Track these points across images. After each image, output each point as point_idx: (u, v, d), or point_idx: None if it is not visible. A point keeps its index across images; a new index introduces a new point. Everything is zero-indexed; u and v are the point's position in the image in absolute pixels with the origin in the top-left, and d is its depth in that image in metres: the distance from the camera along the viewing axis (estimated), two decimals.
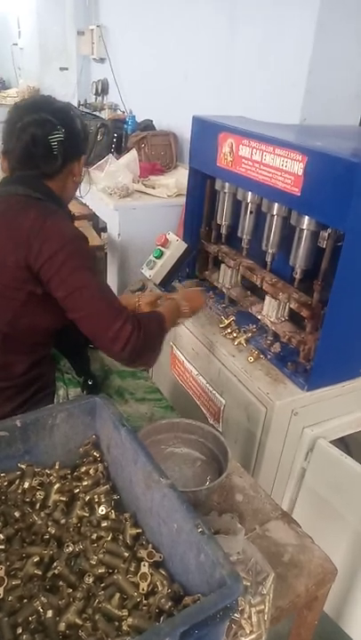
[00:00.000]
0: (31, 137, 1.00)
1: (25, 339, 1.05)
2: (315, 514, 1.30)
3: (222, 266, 1.52)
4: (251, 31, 2.11)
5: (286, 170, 1.11)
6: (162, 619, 0.67)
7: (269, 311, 1.33)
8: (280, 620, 0.81)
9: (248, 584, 0.77)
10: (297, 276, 1.25)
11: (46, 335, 1.10)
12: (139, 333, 0.97)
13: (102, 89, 3.68)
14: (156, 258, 1.54)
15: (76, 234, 0.99)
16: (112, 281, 2.54)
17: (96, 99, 3.76)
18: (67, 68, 4.19)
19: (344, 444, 1.35)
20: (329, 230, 1.14)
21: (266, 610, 0.76)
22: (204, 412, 1.46)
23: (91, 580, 0.71)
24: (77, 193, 1.26)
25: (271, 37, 2.00)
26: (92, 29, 3.53)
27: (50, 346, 1.16)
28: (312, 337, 1.21)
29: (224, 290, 1.52)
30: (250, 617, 0.74)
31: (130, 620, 0.66)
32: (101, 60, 3.63)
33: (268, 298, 1.33)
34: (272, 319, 1.32)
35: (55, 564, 0.72)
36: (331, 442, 1.25)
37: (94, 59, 3.69)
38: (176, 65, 2.70)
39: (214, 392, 1.39)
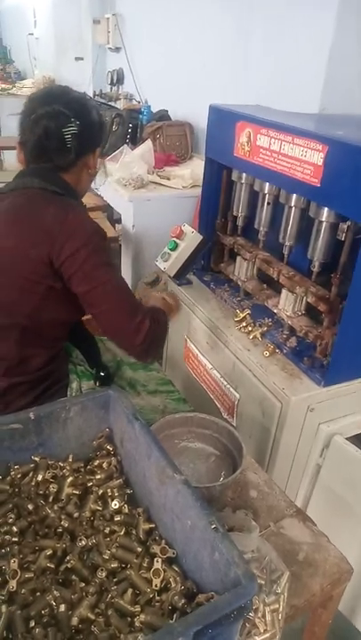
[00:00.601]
0: (44, 130, 0.99)
1: (44, 332, 1.06)
2: (329, 511, 1.28)
3: (238, 258, 1.49)
4: (269, 20, 2.06)
5: (306, 160, 1.08)
6: (175, 616, 0.66)
7: (286, 305, 1.30)
8: (295, 619, 0.80)
9: (262, 582, 0.76)
10: (315, 270, 1.22)
11: (64, 328, 1.11)
12: (156, 327, 1.01)
13: (118, 79, 3.65)
14: (170, 250, 1.52)
15: (97, 229, 0.99)
16: (126, 273, 2.53)
17: (111, 88, 3.74)
18: (82, 58, 4.16)
19: (360, 440, 1.33)
20: (348, 222, 1.10)
21: (280, 609, 0.74)
22: (218, 406, 1.45)
23: (103, 574, 0.71)
24: (92, 185, 1.26)
25: (290, 26, 1.94)
26: (108, 18, 3.50)
27: (65, 341, 1.16)
28: (329, 332, 1.18)
29: (239, 283, 1.50)
30: (264, 616, 0.73)
31: (142, 616, 0.66)
32: (117, 50, 3.60)
33: (284, 291, 1.30)
34: (288, 313, 1.29)
35: (68, 557, 0.72)
36: (347, 439, 1.22)
37: (110, 48, 3.65)
38: (193, 54, 2.66)
39: (228, 386, 1.38)
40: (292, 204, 1.22)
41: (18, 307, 1.00)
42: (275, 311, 1.35)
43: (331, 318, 1.18)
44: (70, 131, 1.00)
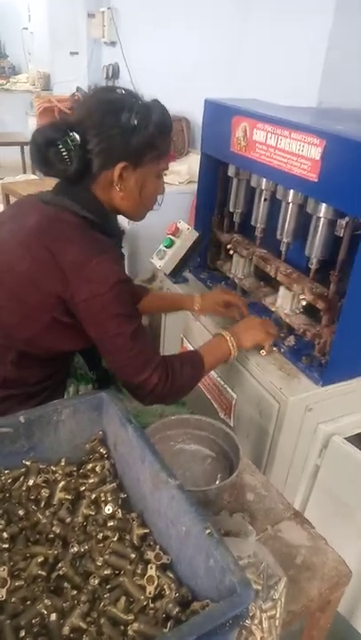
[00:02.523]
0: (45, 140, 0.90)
1: (42, 356, 1.01)
2: (328, 512, 1.27)
3: (235, 255, 1.47)
4: (267, 13, 2.03)
5: (303, 155, 1.06)
6: (169, 624, 0.65)
7: (283, 303, 1.28)
8: (292, 625, 0.78)
9: (259, 588, 0.74)
10: (313, 267, 1.20)
11: (66, 356, 1.07)
12: (166, 383, 0.95)
13: (113, 73, 3.62)
14: (166, 247, 1.49)
15: (121, 278, 0.90)
16: None
17: (107, 83, 3.70)
18: (77, 53, 4.12)
19: (360, 441, 1.31)
20: (347, 219, 1.08)
21: (277, 615, 0.73)
22: (216, 406, 1.43)
23: (96, 581, 0.69)
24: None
25: (287, 19, 1.92)
26: (103, 12, 3.46)
27: (68, 359, 1.12)
28: (328, 330, 1.16)
29: (236, 280, 1.48)
30: (261, 622, 0.71)
31: (136, 625, 0.64)
32: (112, 44, 3.56)
33: (282, 289, 1.28)
34: (286, 311, 1.27)
35: (60, 564, 0.70)
36: (346, 438, 1.21)
37: (105, 42, 3.62)
38: (188, 48, 2.62)
39: (225, 386, 1.36)
40: (290, 200, 1.20)
41: (17, 331, 0.96)
42: (272, 309, 1.33)
43: (329, 316, 1.16)
44: (66, 140, 0.89)
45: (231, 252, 1.47)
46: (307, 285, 1.20)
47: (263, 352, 1.26)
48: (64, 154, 0.89)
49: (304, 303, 1.22)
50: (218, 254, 1.60)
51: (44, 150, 0.90)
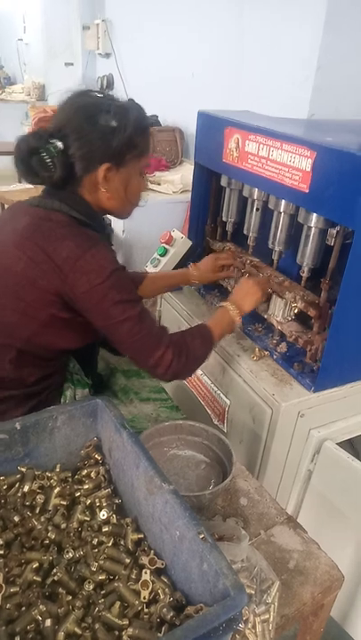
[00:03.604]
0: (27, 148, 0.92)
1: (40, 355, 1.03)
2: (321, 517, 1.28)
3: None
4: (258, 26, 2.07)
5: (294, 166, 1.09)
6: (163, 629, 0.65)
7: (276, 310, 1.30)
8: (285, 629, 0.79)
9: (252, 592, 0.75)
10: (304, 275, 1.22)
11: (62, 354, 1.08)
12: (180, 359, 0.98)
13: (108, 84, 3.66)
14: (160, 255, 1.51)
15: (116, 266, 0.94)
16: None
17: None
18: (72, 64, 4.17)
19: (352, 446, 1.33)
20: (338, 228, 1.11)
21: (271, 619, 0.74)
22: (209, 412, 1.44)
23: (91, 587, 0.70)
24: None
25: (279, 32, 1.96)
26: (98, 24, 3.50)
27: (65, 359, 1.14)
28: (319, 337, 1.18)
29: (229, 288, 1.49)
30: (254, 626, 0.72)
31: (130, 630, 0.64)
32: (107, 55, 3.60)
33: (274, 297, 1.30)
34: (278, 318, 1.29)
35: (55, 570, 0.71)
36: (338, 444, 1.22)
37: (99, 54, 3.66)
38: (182, 60, 2.67)
39: (219, 392, 1.37)
40: (281, 210, 1.22)
41: (16, 329, 0.98)
42: (264, 316, 1.34)
43: (320, 323, 1.18)
44: (48, 148, 0.91)
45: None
46: (298, 293, 1.22)
47: (256, 358, 1.28)
48: (47, 161, 0.91)
49: (296, 311, 1.24)
50: None
51: (28, 159, 0.92)
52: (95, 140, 0.92)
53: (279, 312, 1.29)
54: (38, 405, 1.07)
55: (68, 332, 0.99)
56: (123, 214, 1.08)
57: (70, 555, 0.73)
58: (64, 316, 0.95)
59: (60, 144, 0.91)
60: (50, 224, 0.94)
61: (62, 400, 1.13)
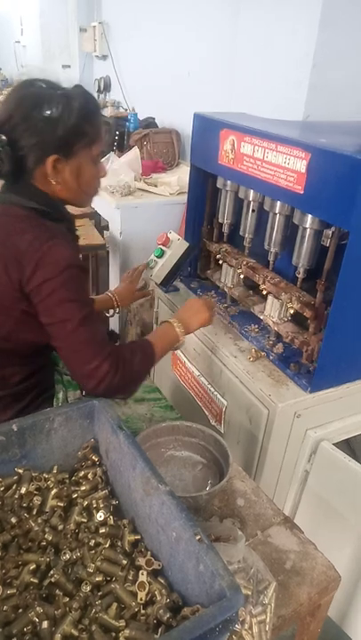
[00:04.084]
0: None
1: (22, 352, 1.03)
2: (318, 517, 1.28)
3: (224, 265, 1.49)
4: (253, 28, 2.08)
5: (289, 167, 1.09)
6: (160, 630, 0.66)
7: (272, 311, 1.30)
8: (282, 630, 0.79)
9: (249, 593, 0.75)
10: (300, 276, 1.22)
11: (44, 349, 1.06)
12: (116, 373, 0.90)
13: (105, 86, 3.66)
14: (157, 257, 1.52)
15: (72, 262, 0.90)
16: (114, 280, 2.52)
17: (98, 96, 3.74)
18: (69, 66, 4.17)
19: (348, 446, 1.33)
20: (333, 229, 1.11)
21: (267, 620, 0.74)
22: (206, 413, 1.44)
23: (88, 588, 0.70)
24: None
25: (274, 34, 1.97)
26: (95, 26, 3.51)
27: (47, 357, 1.13)
28: (315, 338, 1.19)
29: (226, 289, 1.50)
30: (251, 627, 0.72)
31: (127, 631, 0.65)
32: (104, 58, 3.61)
33: (270, 298, 1.30)
34: (274, 319, 1.30)
35: (52, 571, 0.71)
36: (335, 444, 1.23)
37: (96, 56, 3.67)
38: (179, 62, 2.67)
39: (216, 393, 1.37)
40: (277, 211, 1.23)
41: None
42: (261, 317, 1.35)
43: (316, 324, 1.18)
44: None
45: (220, 261, 1.50)
46: (294, 294, 1.23)
47: (251, 358, 1.28)
48: None
49: (292, 312, 1.25)
50: (208, 264, 1.63)
51: None
52: (39, 132, 0.90)
53: (275, 313, 1.29)
54: (27, 408, 1.07)
55: (43, 326, 0.94)
56: (80, 204, 1.05)
57: (67, 556, 0.73)
58: (34, 312, 0.92)
59: (4, 137, 0.89)
60: (7, 219, 0.93)
61: (55, 403, 1.13)
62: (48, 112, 0.89)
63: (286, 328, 1.27)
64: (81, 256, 2.78)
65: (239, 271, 1.40)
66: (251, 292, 1.46)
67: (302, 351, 1.23)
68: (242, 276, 1.41)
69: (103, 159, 2.51)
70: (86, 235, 2.42)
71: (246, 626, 0.71)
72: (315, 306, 1.18)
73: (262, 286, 1.31)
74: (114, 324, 2.39)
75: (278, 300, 1.27)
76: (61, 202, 1.02)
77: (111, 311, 1.46)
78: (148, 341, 1.03)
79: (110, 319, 1.57)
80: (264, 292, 1.31)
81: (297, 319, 1.28)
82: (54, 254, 0.89)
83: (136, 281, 1.46)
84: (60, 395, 1.15)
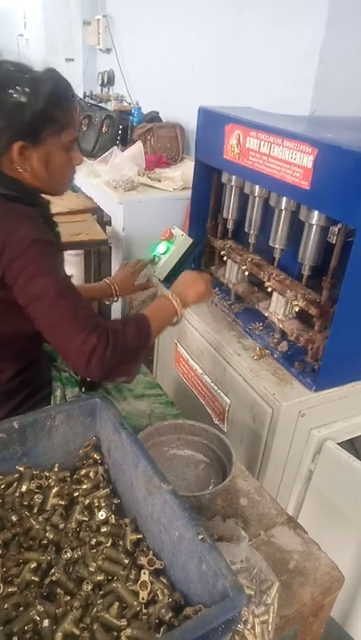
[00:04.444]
0: None
1: (7, 345, 0.99)
2: (322, 517, 1.27)
3: (228, 261, 1.48)
4: (259, 22, 2.05)
5: (295, 163, 1.07)
6: (162, 630, 0.65)
7: (277, 308, 1.29)
8: (285, 630, 0.78)
9: (252, 593, 0.74)
10: (305, 273, 1.21)
11: (31, 340, 1.02)
12: (107, 345, 0.83)
13: (108, 80, 3.64)
14: (160, 253, 1.50)
15: (38, 237, 0.85)
16: None
17: (102, 90, 3.72)
18: (73, 59, 4.14)
19: (352, 446, 1.32)
20: (339, 225, 1.10)
21: (270, 620, 0.73)
22: (209, 411, 1.43)
23: (89, 587, 0.69)
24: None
25: (280, 28, 1.94)
26: (99, 19, 3.48)
27: (38, 350, 1.10)
28: (321, 336, 1.18)
29: (230, 286, 1.49)
30: (253, 627, 0.71)
31: (129, 630, 0.64)
32: (107, 51, 3.58)
33: (275, 294, 1.29)
34: (279, 316, 1.28)
35: (53, 570, 0.70)
36: (339, 444, 1.22)
37: (100, 49, 3.64)
38: (183, 56, 2.65)
39: (219, 391, 1.36)
40: (283, 207, 1.21)
41: None
42: (266, 314, 1.34)
43: (322, 322, 1.17)
44: None
45: (225, 258, 1.48)
46: (300, 292, 1.21)
47: (255, 357, 1.27)
48: None
49: (297, 309, 1.23)
50: (212, 260, 1.61)
51: None
52: (4, 117, 0.85)
53: (280, 310, 1.28)
54: (20, 407, 1.05)
55: (26, 315, 0.89)
56: (52, 193, 0.99)
57: (68, 555, 0.72)
58: (13, 299, 0.87)
59: None
60: None
61: (52, 401, 1.12)
62: (15, 96, 0.84)
63: (291, 325, 1.26)
64: (83, 251, 2.76)
65: (244, 268, 1.39)
66: (255, 288, 1.44)
67: (307, 349, 1.22)
68: (246, 273, 1.40)
69: (106, 153, 2.50)
70: (88, 230, 2.41)
71: (249, 626, 0.71)
72: (320, 304, 1.17)
73: (267, 283, 1.29)
74: (115, 308, 2.38)
75: (283, 297, 1.25)
76: (33, 189, 0.96)
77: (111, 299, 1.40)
78: (143, 315, 0.97)
79: (111, 315, 1.56)
80: (269, 290, 1.30)
81: (302, 317, 1.26)
82: (19, 232, 0.85)
83: (137, 274, 1.41)
84: (58, 392, 1.13)
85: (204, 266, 1.64)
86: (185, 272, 1.19)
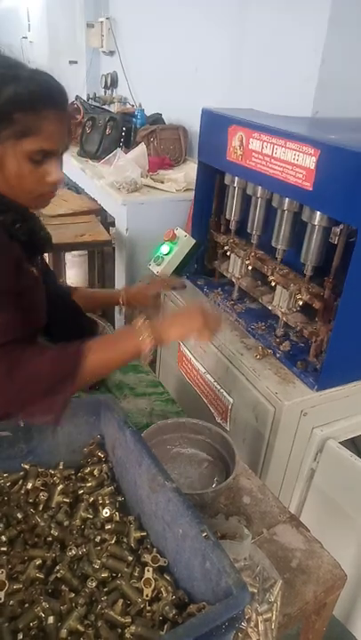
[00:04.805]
0: None
1: None
2: (324, 515, 1.28)
3: (232, 255, 1.48)
4: (262, 24, 2.06)
5: (298, 164, 1.08)
6: (165, 627, 0.66)
7: (280, 301, 1.29)
8: (288, 628, 0.79)
9: (255, 591, 0.75)
10: (307, 274, 1.21)
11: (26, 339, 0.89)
12: (5, 373, 0.71)
13: (112, 82, 3.65)
14: (163, 253, 1.51)
15: None
16: (120, 276, 2.52)
17: (105, 92, 3.73)
18: (76, 62, 4.16)
19: (354, 445, 1.32)
20: (341, 226, 1.10)
21: (273, 618, 0.74)
22: (212, 410, 1.44)
23: (94, 584, 0.70)
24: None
25: (283, 30, 1.95)
26: (102, 22, 3.50)
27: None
28: (325, 328, 1.17)
29: (234, 280, 1.49)
30: (257, 625, 0.72)
31: (133, 627, 0.65)
32: (111, 53, 3.60)
33: (279, 288, 1.29)
34: (283, 310, 1.29)
35: (58, 567, 0.71)
36: (341, 443, 1.22)
37: (104, 52, 3.65)
38: (186, 58, 2.66)
39: (222, 391, 1.37)
40: (285, 208, 1.22)
41: None
42: (269, 307, 1.33)
43: (326, 315, 1.17)
44: None
45: (228, 253, 1.49)
46: (303, 285, 1.21)
47: (258, 356, 1.28)
48: None
49: (301, 303, 1.23)
50: (215, 255, 1.61)
51: None
52: None
53: (284, 303, 1.28)
54: None
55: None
56: (22, 203, 0.86)
57: (73, 552, 0.73)
58: None
59: None
60: None
61: None
62: None
63: (295, 318, 1.26)
64: (87, 252, 2.77)
65: (247, 262, 1.39)
66: (259, 282, 1.44)
67: (309, 349, 1.22)
68: (250, 267, 1.40)
69: (110, 155, 2.51)
70: (92, 231, 2.42)
71: (252, 624, 0.71)
72: (324, 297, 1.16)
73: (271, 277, 1.30)
74: (119, 320, 2.39)
75: (287, 291, 1.25)
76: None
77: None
78: (79, 345, 0.81)
79: (116, 316, 1.55)
80: (273, 284, 1.30)
81: (306, 310, 1.26)
82: None
83: (157, 289, 1.28)
84: None
85: (207, 261, 1.64)
86: (192, 303, 1.03)
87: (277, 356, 1.28)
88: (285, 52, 1.96)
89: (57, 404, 0.76)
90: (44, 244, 0.96)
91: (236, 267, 1.48)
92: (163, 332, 0.87)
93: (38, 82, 0.80)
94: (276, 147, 1.14)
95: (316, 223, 1.13)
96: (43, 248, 0.96)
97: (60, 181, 0.84)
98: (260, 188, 1.30)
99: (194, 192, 1.58)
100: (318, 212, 1.12)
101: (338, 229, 1.12)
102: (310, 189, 1.06)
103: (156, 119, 2.83)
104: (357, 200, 0.97)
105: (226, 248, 1.49)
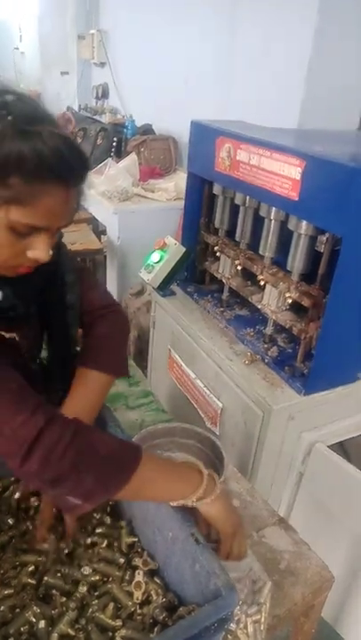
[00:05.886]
0: None
1: None
2: (312, 518, 1.29)
3: (222, 256, 1.50)
4: (250, 36, 2.11)
5: (284, 175, 1.11)
6: (156, 629, 0.66)
7: (270, 300, 1.31)
8: (277, 629, 0.80)
9: (244, 593, 0.76)
10: (295, 280, 1.24)
11: None
12: (62, 433, 0.60)
13: (103, 93, 3.69)
14: (154, 262, 1.53)
15: None
16: (111, 284, 2.54)
17: (97, 103, 3.77)
18: (67, 73, 4.20)
19: (342, 449, 1.34)
20: (327, 235, 1.13)
21: (262, 619, 0.75)
22: (202, 415, 1.45)
23: (85, 588, 0.71)
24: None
25: (270, 42, 2.00)
26: (93, 34, 3.54)
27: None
28: (314, 325, 1.18)
29: (224, 280, 1.51)
30: (246, 627, 0.73)
31: (123, 631, 0.66)
32: (102, 65, 3.64)
33: (268, 287, 1.31)
34: (272, 308, 1.30)
35: (46, 578, 0.71)
36: (329, 446, 1.24)
37: (95, 63, 3.70)
38: (176, 69, 2.71)
39: (212, 395, 1.39)
40: (272, 218, 1.25)
41: None
42: (259, 306, 1.35)
43: (315, 312, 1.18)
44: None
45: (218, 253, 1.51)
46: (292, 283, 1.23)
47: (246, 361, 1.30)
48: None
49: (290, 301, 1.25)
50: (205, 255, 1.63)
51: None
52: None
53: (273, 302, 1.30)
54: None
55: None
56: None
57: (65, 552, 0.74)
58: None
59: None
60: None
61: None
62: None
63: (285, 317, 1.28)
64: (79, 259, 2.79)
65: (237, 262, 1.41)
66: (249, 282, 1.46)
67: (298, 345, 1.23)
68: (240, 267, 1.42)
69: (101, 165, 2.53)
70: (84, 239, 2.44)
71: (241, 625, 0.72)
72: (312, 294, 1.18)
73: (260, 276, 1.32)
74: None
75: (276, 289, 1.27)
76: None
77: None
78: (137, 447, 0.69)
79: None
80: (262, 283, 1.32)
81: (295, 310, 1.28)
82: None
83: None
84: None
85: (197, 261, 1.65)
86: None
87: (266, 361, 1.31)
88: (272, 65, 2.01)
89: (98, 491, 0.63)
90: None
91: (226, 267, 1.50)
92: (221, 503, 0.73)
93: (55, 145, 0.58)
94: (262, 158, 1.17)
95: (302, 232, 1.16)
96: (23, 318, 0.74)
97: (45, 261, 0.64)
98: (247, 197, 1.33)
99: (184, 201, 1.61)
100: (304, 222, 1.14)
101: (324, 238, 1.15)
102: (296, 199, 1.09)
103: (147, 129, 2.87)
104: (341, 209, 1.00)
105: (216, 249, 1.51)
